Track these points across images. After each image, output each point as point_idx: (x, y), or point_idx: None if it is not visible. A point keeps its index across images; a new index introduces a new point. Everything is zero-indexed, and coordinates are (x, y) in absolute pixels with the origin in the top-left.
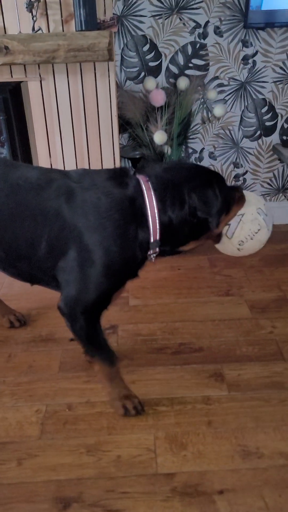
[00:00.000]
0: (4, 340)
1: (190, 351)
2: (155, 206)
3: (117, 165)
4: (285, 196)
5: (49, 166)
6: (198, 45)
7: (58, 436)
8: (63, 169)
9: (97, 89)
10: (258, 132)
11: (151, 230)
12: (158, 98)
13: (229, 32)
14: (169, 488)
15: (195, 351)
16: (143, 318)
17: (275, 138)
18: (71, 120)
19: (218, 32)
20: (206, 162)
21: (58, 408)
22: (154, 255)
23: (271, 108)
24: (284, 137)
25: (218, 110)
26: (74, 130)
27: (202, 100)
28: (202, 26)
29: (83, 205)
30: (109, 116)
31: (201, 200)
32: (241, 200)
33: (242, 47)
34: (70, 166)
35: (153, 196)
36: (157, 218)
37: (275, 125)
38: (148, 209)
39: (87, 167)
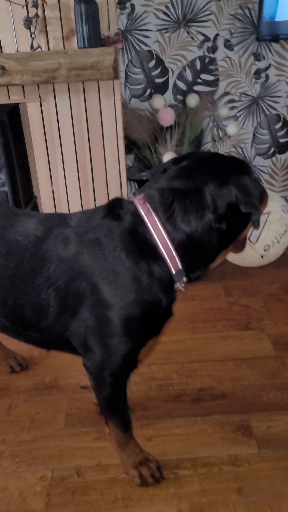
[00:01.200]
0: (3, 388)
1: (212, 398)
2: (161, 229)
3: (124, 188)
4: None
5: (51, 192)
6: (207, 59)
7: (66, 511)
8: (66, 196)
9: (101, 109)
10: (272, 150)
11: (168, 260)
12: (167, 117)
13: (240, 45)
14: None
15: (217, 398)
16: (157, 359)
17: None
18: (74, 143)
19: (228, 45)
20: None
21: (66, 474)
22: (183, 285)
23: (286, 123)
24: None
25: (231, 129)
26: (77, 154)
27: (213, 117)
28: (212, 39)
29: (81, 252)
30: (114, 137)
31: (240, 190)
32: (266, 195)
33: (254, 61)
34: (73, 191)
35: (155, 217)
36: (169, 242)
37: None
38: (155, 236)
39: (92, 192)
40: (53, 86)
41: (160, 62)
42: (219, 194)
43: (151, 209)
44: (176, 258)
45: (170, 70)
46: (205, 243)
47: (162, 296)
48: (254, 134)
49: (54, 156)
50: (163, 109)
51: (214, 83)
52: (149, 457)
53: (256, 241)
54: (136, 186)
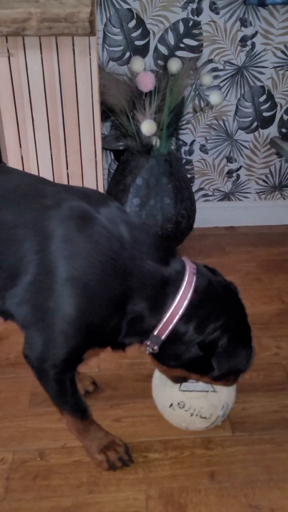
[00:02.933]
0: None
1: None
2: (182, 307)
3: (99, 158)
4: (281, 195)
5: (20, 158)
6: (191, 22)
7: (27, 497)
8: (36, 163)
9: (75, 68)
10: (255, 124)
11: (161, 324)
12: (147, 82)
13: (227, 9)
14: None
15: None
16: None
17: (273, 130)
18: (45, 105)
19: (214, 8)
20: (196, 156)
21: (27, 456)
22: (150, 350)
23: (270, 97)
24: (284, 130)
25: (214, 97)
26: (48, 117)
27: (194, 86)
28: (196, 0)
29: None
30: (89, 101)
31: (228, 350)
32: (236, 377)
33: (240, 27)
34: (44, 158)
35: (188, 297)
36: (175, 319)
37: (273, 116)
38: (174, 303)
39: (64, 160)
40: (23, 40)
41: (140, 22)
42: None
43: (193, 285)
44: (167, 331)
45: (151, 32)
46: (183, 347)
47: (116, 319)
48: (237, 106)
49: (23, 119)
50: (143, 72)
51: (198, 49)
52: (116, 440)
53: (183, 389)
54: (112, 156)
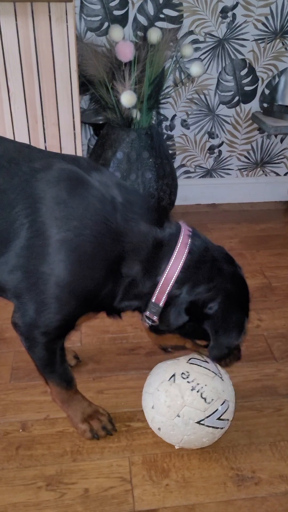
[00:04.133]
0: None
1: (167, 351)
2: (178, 269)
3: (78, 131)
4: (263, 171)
5: None
6: None
7: (10, 466)
8: (13, 135)
9: (52, 36)
10: (236, 98)
11: (158, 287)
12: (126, 52)
13: None
14: None
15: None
16: None
17: (254, 105)
18: (21, 75)
19: None
20: (177, 131)
21: (10, 428)
22: (150, 323)
23: (251, 70)
24: (265, 105)
25: (195, 69)
26: (25, 88)
27: (175, 58)
28: None
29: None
30: (67, 70)
31: (225, 317)
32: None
33: None
34: (21, 130)
35: (183, 258)
36: (171, 281)
37: (255, 90)
38: (169, 265)
39: (41, 133)
40: None
41: None
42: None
43: (188, 247)
44: (167, 292)
45: (130, 1)
46: (179, 310)
47: (111, 283)
48: (218, 80)
49: None
50: (122, 42)
51: (178, 20)
52: (99, 410)
53: (192, 362)
54: (92, 131)
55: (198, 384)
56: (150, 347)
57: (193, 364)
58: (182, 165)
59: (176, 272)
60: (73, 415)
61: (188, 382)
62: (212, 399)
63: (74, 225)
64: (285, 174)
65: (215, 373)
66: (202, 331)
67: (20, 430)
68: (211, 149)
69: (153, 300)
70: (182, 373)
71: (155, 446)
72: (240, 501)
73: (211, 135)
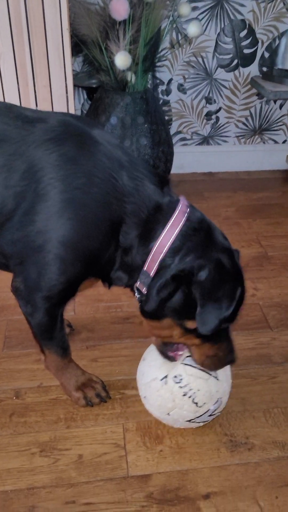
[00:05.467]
0: None
1: None
2: (172, 236)
3: (70, 95)
4: (261, 139)
5: None
6: None
7: (3, 433)
8: (3, 97)
9: None
10: (235, 61)
11: (151, 255)
12: (120, 10)
13: None
14: (144, 494)
15: None
16: None
17: (253, 69)
18: (11, 34)
19: None
20: (174, 96)
21: (3, 396)
22: (138, 296)
23: (251, 32)
24: (264, 68)
25: (192, 29)
26: (14, 48)
27: (172, 18)
28: None
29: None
30: (59, 29)
31: (215, 284)
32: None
33: None
34: (11, 93)
35: (179, 226)
36: (164, 249)
37: (254, 53)
38: (164, 231)
39: (33, 95)
40: None
41: None
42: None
43: (185, 216)
44: (158, 261)
45: None
46: (169, 282)
47: (113, 248)
48: (216, 42)
49: None
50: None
51: None
52: (93, 378)
53: (186, 362)
54: (85, 95)
55: (190, 389)
56: None
57: (187, 365)
58: (178, 132)
59: (171, 240)
60: (67, 383)
61: (180, 387)
62: (204, 403)
63: (82, 182)
64: (283, 142)
65: (209, 374)
66: (193, 306)
67: (14, 398)
68: (208, 115)
69: (144, 269)
70: (175, 376)
71: (149, 414)
72: (233, 466)
73: (209, 100)
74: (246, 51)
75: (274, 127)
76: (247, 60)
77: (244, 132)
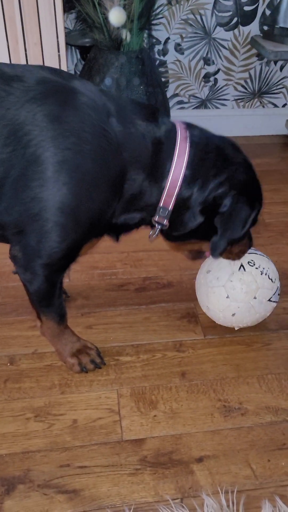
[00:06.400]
0: None
1: (157, 287)
2: (183, 167)
3: (62, 54)
4: (261, 102)
5: None
6: None
7: None
8: None
9: None
10: (235, 20)
11: (165, 191)
12: None
13: None
14: (138, 458)
15: (163, 287)
16: (99, 247)
17: (254, 28)
18: None
19: None
20: (171, 57)
21: None
22: (158, 228)
23: None
24: (265, 27)
25: None
26: (3, 1)
27: None
28: None
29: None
30: None
31: (232, 212)
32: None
33: None
34: (0, 51)
35: (186, 154)
36: (178, 182)
37: (255, 10)
38: (173, 165)
39: (23, 53)
40: None
41: None
42: (224, 192)
43: (188, 142)
44: (173, 199)
45: None
46: (192, 211)
47: (116, 201)
48: None
49: None
50: None
51: None
52: (88, 344)
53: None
54: (79, 55)
55: (263, 268)
56: (140, 283)
57: (251, 253)
58: (176, 95)
59: (182, 171)
60: (62, 349)
61: (256, 268)
62: (275, 278)
63: (72, 142)
64: (283, 106)
65: (267, 257)
66: (214, 228)
67: (8, 364)
68: (207, 77)
69: (160, 205)
70: (249, 262)
71: (143, 379)
72: (226, 431)
73: (207, 61)
74: (246, 8)
75: (274, 90)
76: (247, 18)
77: (243, 95)
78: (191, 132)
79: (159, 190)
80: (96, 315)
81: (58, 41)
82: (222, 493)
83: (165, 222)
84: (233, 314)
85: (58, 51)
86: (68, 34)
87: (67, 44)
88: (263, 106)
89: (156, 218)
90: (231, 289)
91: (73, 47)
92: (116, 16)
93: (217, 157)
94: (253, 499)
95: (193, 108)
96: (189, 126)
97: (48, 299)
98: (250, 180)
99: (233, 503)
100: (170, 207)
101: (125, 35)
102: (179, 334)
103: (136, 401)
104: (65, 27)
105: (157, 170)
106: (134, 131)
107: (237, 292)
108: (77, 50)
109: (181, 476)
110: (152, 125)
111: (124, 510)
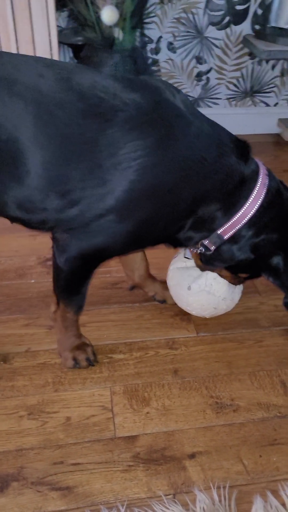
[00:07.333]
0: None
1: None
2: (253, 209)
3: (55, 52)
4: (253, 101)
5: None
6: None
7: None
8: None
9: None
10: (227, 19)
11: (229, 223)
12: None
13: None
14: (131, 455)
15: None
16: None
17: (246, 27)
18: None
19: None
20: (163, 56)
21: None
22: (202, 250)
23: None
24: (257, 26)
25: None
26: None
27: None
28: None
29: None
30: None
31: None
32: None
33: None
34: None
35: (261, 199)
36: (244, 220)
37: (247, 10)
38: (247, 204)
39: (15, 50)
40: None
41: None
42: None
43: (265, 187)
44: (236, 229)
45: None
46: (241, 249)
47: (185, 222)
48: None
49: None
50: None
51: None
52: (86, 341)
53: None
54: (71, 53)
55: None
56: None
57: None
58: None
59: (252, 212)
60: (65, 341)
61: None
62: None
63: (171, 171)
64: (275, 105)
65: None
66: (251, 270)
67: (1, 363)
68: (199, 75)
69: (219, 232)
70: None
71: (136, 377)
72: (218, 427)
73: (199, 60)
74: (238, 7)
75: (265, 89)
76: (239, 18)
77: (235, 94)
78: (270, 180)
79: (226, 220)
80: (90, 313)
81: (50, 39)
82: (214, 488)
83: (213, 248)
84: (215, 308)
85: (51, 49)
86: (60, 32)
87: (59, 42)
88: (255, 105)
89: (206, 242)
90: (216, 283)
91: (65, 46)
92: (108, 15)
93: (280, 213)
94: (244, 494)
95: None
96: (270, 174)
97: (78, 286)
98: None
99: (225, 498)
100: (226, 237)
101: (118, 33)
102: (171, 331)
103: (129, 398)
104: (57, 25)
105: (232, 203)
106: (225, 164)
107: (219, 285)
108: (70, 49)
109: (174, 472)
110: (241, 163)
111: (117, 506)
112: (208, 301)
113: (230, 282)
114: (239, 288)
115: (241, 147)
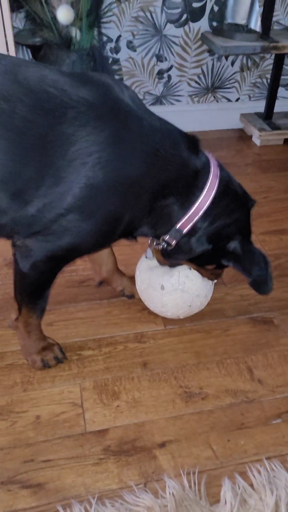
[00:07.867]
0: None
1: None
2: (209, 200)
3: (12, 53)
4: (214, 97)
5: None
6: None
7: None
8: None
9: None
10: (184, 16)
11: (186, 217)
12: None
13: None
14: (101, 448)
15: None
16: None
17: (203, 24)
18: None
19: None
20: (124, 54)
21: None
22: (164, 245)
23: None
24: (215, 23)
25: None
26: None
27: None
28: None
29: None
30: None
31: (247, 253)
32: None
33: None
34: None
35: (214, 189)
36: (200, 212)
37: (203, 7)
38: (202, 195)
39: None
40: None
41: None
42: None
43: (218, 178)
44: (193, 222)
45: None
46: (200, 238)
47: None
48: None
49: None
50: None
51: None
52: (50, 341)
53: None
54: (30, 55)
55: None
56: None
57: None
58: None
59: (207, 204)
60: (31, 345)
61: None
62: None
63: (132, 162)
64: (236, 100)
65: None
66: (214, 260)
67: None
68: (160, 73)
69: (177, 227)
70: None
71: (106, 372)
72: (187, 416)
73: (159, 58)
74: (195, 4)
75: (226, 84)
76: (196, 15)
77: (197, 90)
78: (221, 171)
79: (183, 214)
80: (57, 312)
81: (6, 41)
82: (184, 475)
83: (173, 243)
84: (190, 306)
85: (7, 50)
86: (17, 33)
87: (17, 43)
88: (217, 101)
89: (167, 237)
90: (190, 280)
91: (24, 47)
92: (64, 14)
93: (233, 200)
94: (214, 478)
95: (149, 105)
96: (220, 165)
97: (42, 290)
98: (248, 223)
99: (195, 483)
100: (185, 231)
101: (75, 33)
102: (140, 325)
103: (99, 393)
104: (14, 27)
105: (187, 196)
106: (179, 157)
107: (196, 282)
108: (28, 50)
109: (144, 462)
110: (193, 156)
111: (88, 499)
112: (182, 299)
113: (207, 278)
114: (211, 285)
115: (190, 141)
